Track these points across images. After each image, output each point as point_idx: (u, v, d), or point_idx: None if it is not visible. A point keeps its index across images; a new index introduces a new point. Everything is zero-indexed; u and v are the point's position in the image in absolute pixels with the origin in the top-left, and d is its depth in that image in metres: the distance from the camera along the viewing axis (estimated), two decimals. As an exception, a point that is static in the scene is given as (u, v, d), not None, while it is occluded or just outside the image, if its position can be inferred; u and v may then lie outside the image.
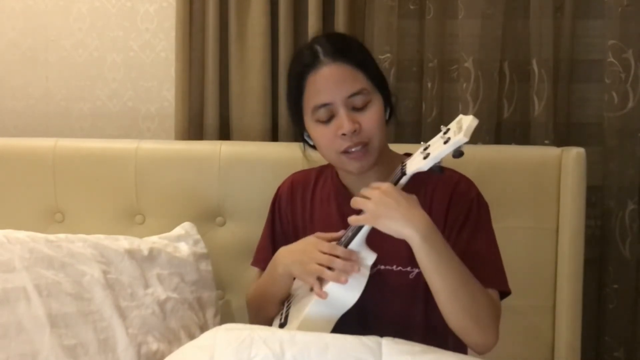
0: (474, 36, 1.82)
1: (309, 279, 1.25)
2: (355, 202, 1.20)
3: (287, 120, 1.90)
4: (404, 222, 1.16)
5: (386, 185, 1.18)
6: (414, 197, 1.20)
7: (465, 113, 1.79)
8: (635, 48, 1.78)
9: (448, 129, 1.11)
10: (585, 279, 1.67)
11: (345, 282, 1.20)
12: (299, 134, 1.43)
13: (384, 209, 1.16)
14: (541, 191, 1.68)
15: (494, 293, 1.28)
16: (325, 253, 1.24)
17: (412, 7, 1.87)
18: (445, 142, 1.08)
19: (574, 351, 1.65)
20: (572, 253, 1.65)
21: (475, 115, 1.78)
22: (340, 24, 1.83)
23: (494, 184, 1.61)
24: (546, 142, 1.81)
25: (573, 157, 1.65)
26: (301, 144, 1.45)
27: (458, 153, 1.07)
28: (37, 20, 2.05)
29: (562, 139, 1.83)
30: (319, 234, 1.31)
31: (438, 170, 1.13)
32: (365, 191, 1.20)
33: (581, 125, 1.88)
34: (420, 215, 1.17)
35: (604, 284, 1.84)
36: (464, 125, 1.06)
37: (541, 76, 1.80)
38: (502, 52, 1.84)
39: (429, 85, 1.86)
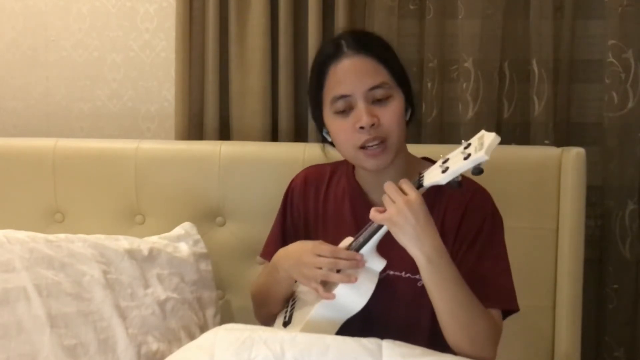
0: (474, 36, 1.82)
1: (311, 283, 1.24)
2: (383, 198, 1.18)
3: (287, 120, 1.90)
4: (414, 241, 1.15)
5: (414, 197, 1.14)
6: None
7: (466, 113, 1.83)
8: (635, 48, 1.78)
9: (469, 144, 1.09)
10: (585, 279, 1.67)
11: (355, 281, 1.19)
12: (318, 130, 1.40)
13: (402, 221, 1.14)
14: (541, 191, 1.68)
15: (496, 313, 1.27)
16: (325, 257, 1.23)
17: (412, 7, 1.87)
18: (465, 158, 1.07)
19: (574, 351, 1.65)
20: (572, 253, 1.65)
21: (475, 115, 1.82)
22: (340, 24, 1.83)
23: (494, 184, 1.60)
24: (546, 142, 1.81)
25: (573, 157, 1.65)
26: (320, 143, 1.43)
27: (477, 170, 1.07)
28: (37, 20, 2.05)
29: (562, 139, 1.83)
30: (320, 242, 1.29)
31: (456, 185, 1.12)
32: (391, 191, 1.16)
33: (581, 125, 1.88)
34: (432, 237, 1.16)
35: (604, 284, 1.84)
36: (485, 142, 1.05)
37: (541, 76, 1.80)
38: (502, 52, 1.84)
39: (429, 85, 1.85)
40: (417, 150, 1.45)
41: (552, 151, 1.70)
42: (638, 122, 1.80)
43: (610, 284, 1.83)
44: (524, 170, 1.70)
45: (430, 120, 1.86)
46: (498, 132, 1.81)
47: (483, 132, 1.09)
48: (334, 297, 1.21)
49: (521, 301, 1.44)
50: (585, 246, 1.66)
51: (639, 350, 1.85)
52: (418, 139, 1.87)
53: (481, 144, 1.06)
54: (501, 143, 1.81)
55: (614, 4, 1.77)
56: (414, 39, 1.88)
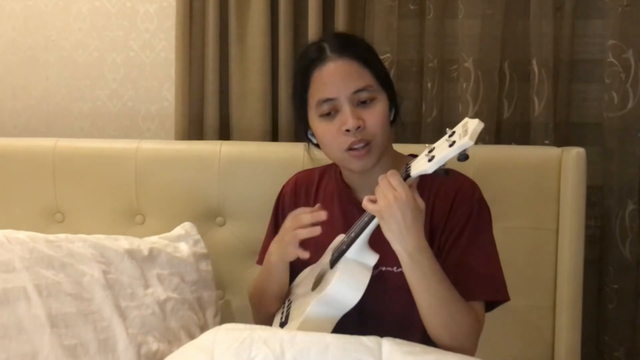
0: (474, 36, 1.82)
1: (289, 248, 1.28)
2: (377, 190, 1.18)
3: (287, 120, 1.90)
4: (397, 237, 1.16)
5: (404, 195, 1.15)
6: (422, 207, 1.19)
7: (466, 113, 1.82)
8: (635, 48, 1.78)
9: (453, 132, 1.10)
10: (585, 279, 1.67)
11: (318, 233, 1.24)
12: (302, 132, 1.42)
13: (388, 217, 1.15)
14: (541, 191, 1.68)
15: (478, 306, 1.28)
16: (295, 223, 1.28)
17: (412, 7, 1.87)
18: (450, 145, 1.08)
19: (574, 351, 1.65)
20: (572, 253, 1.65)
21: (475, 115, 1.82)
22: (340, 24, 1.83)
23: (494, 184, 1.61)
24: (546, 142, 1.81)
25: (573, 157, 1.65)
26: (305, 143, 1.45)
27: (463, 156, 1.07)
28: (37, 20, 2.05)
29: (562, 139, 1.83)
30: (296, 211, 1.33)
31: (443, 172, 1.13)
32: (384, 185, 1.17)
33: (581, 125, 1.88)
34: (415, 236, 1.17)
35: (604, 284, 1.84)
36: (469, 128, 1.06)
37: (541, 76, 1.80)
38: (502, 52, 1.84)
39: (429, 85, 1.86)
40: (416, 150, 1.45)
41: (552, 151, 1.71)
42: (638, 122, 1.80)
43: (610, 284, 1.83)
44: (524, 170, 1.70)
45: (430, 120, 1.86)
46: (498, 132, 1.87)
47: (467, 119, 1.09)
48: (307, 255, 1.25)
49: (521, 301, 1.45)
50: (585, 246, 1.66)
51: (639, 350, 1.85)
52: (418, 139, 1.87)
53: (465, 131, 1.07)
54: (501, 143, 1.86)
55: (614, 4, 1.77)
56: (414, 39, 1.88)
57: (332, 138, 1.30)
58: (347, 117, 1.27)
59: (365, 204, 1.19)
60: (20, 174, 1.83)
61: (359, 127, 1.27)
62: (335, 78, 1.29)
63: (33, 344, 1.29)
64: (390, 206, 1.15)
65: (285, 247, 1.30)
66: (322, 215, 1.25)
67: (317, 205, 1.31)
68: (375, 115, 1.29)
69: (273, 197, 1.52)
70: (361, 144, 1.28)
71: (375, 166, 1.31)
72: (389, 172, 1.19)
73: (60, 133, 2.04)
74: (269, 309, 1.41)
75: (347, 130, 1.27)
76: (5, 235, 1.43)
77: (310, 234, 1.25)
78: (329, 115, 1.30)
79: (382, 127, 1.29)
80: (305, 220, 1.26)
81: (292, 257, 1.31)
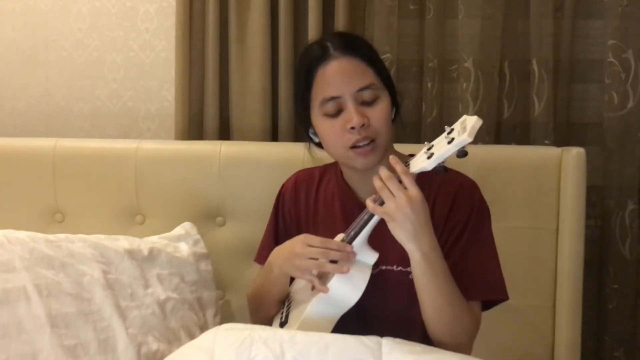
0: (474, 36, 1.82)
1: (305, 275, 1.25)
2: (381, 189, 1.17)
3: (287, 120, 1.90)
4: (412, 237, 1.16)
5: (415, 194, 1.15)
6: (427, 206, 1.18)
7: (466, 113, 1.82)
8: (635, 48, 1.78)
9: (452, 129, 1.11)
10: (585, 279, 1.67)
11: (347, 271, 1.20)
12: (304, 131, 1.42)
13: (402, 217, 1.15)
14: (541, 191, 1.68)
15: (476, 306, 1.28)
16: (316, 247, 1.23)
17: (412, 7, 1.87)
18: (449, 142, 1.08)
19: (574, 351, 1.65)
20: (572, 253, 1.65)
21: (475, 115, 1.81)
22: (340, 24, 1.84)
23: (494, 184, 1.61)
24: (546, 142, 1.81)
25: (573, 157, 1.65)
26: (306, 142, 1.45)
27: (462, 153, 1.08)
28: (37, 20, 2.05)
29: (562, 139, 1.83)
30: (308, 235, 1.30)
31: (442, 170, 1.13)
32: (391, 184, 1.16)
33: (581, 125, 1.88)
34: (429, 234, 1.18)
35: (604, 284, 1.84)
36: (468, 125, 1.06)
37: (541, 76, 1.80)
38: (502, 52, 1.84)
39: (429, 85, 1.86)
40: (417, 150, 1.45)
41: (552, 151, 1.71)
42: (638, 122, 1.81)
43: (610, 284, 1.83)
44: (524, 170, 1.70)
45: (430, 120, 1.86)
46: (498, 132, 1.87)
47: (465, 116, 1.10)
48: (327, 290, 1.21)
49: (521, 301, 1.45)
50: (585, 246, 1.66)
51: (639, 350, 1.85)
52: (418, 139, 1.87)
53: (464, 127, 1.07)
54: (501, 143, 1.86)
55: (614, 4, 1.77)
56: (414, 39, 1.88)
57: (336, 136, 1.30)
58: (352, 115, 1.27)
59: (374, 207, 1.18)
60: (20, 174, 1.83)
61: (363, 125, 1.26)
62: (339, 76, 1.29)
63: (33, 344, 1.29)
64: (402, 207, 1.14)
65: (295, 271, 1.26)
66: (345, 269, 1.20)
67: (349, 247, 1.23)
68: (379, 113, 1.29)
69: (273, 196, 1.52)
70: (365, 142, 1.28)
71: (378, 165, 1.30)
72: (399, 171, 1.17)
73: (60, 133, 2.04)
74: (269, 312, 1.41)
75: (352, 128, 1.27)
76: (5, 235, 1.43)
77: (339, 271, 1.20)
78: (333, 113, 1.30)
79: (386, 125, 1.30)
80: (330, 256, 1.21)
81: (301, 279, 1.29)
